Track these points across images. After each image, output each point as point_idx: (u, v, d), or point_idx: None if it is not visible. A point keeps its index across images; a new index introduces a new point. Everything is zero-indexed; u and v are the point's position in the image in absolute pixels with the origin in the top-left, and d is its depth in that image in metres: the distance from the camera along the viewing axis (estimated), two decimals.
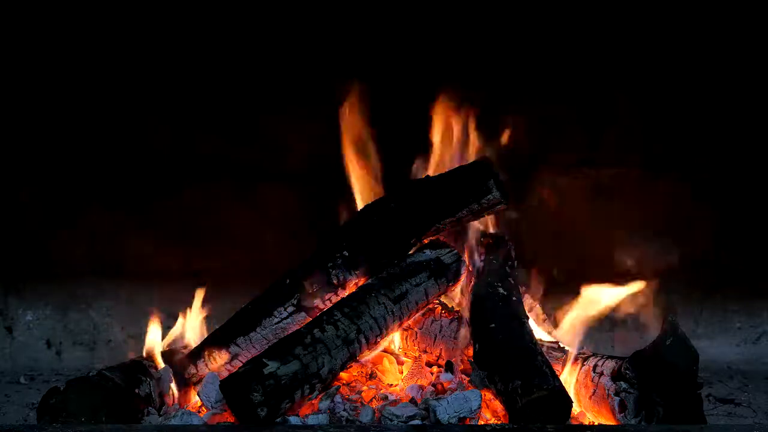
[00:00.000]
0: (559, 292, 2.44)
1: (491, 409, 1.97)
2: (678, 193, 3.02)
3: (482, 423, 1.89)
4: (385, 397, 2.04)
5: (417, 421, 1.88)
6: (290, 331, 2.06)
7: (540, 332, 2.31)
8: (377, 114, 2.51)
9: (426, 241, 2.27)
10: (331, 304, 2.15)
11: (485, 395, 1.95)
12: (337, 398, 1.98)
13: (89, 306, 3.04)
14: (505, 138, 2.49)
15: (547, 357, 1.97)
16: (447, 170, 2.34)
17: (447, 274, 2.22)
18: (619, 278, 2.26)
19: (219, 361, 2.17)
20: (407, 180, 2.39)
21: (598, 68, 2.95)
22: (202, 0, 2.90)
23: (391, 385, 2.17)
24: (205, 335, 2.29)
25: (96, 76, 2.93)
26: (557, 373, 1.93)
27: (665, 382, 1.82)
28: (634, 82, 2.97)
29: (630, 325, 3.01)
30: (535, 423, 1.78)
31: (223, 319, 2.29)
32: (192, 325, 2.31)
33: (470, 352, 2.11)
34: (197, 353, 2.20)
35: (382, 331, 2.07)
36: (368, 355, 2.13)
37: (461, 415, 1.87)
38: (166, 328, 2.29)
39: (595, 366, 2.01)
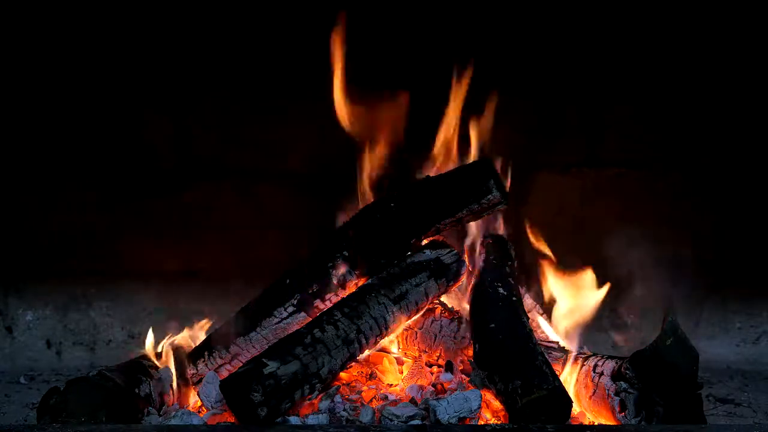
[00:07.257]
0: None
1: (491, 409, 1.97)
2: (678, 193, 3.02)
3: (482, 423, 1.89)
4: (385, 397, 2.05)
5: (417, 421, 1.88)
6: (290, 331, 2.06)
7: (540, 332, 2.31)
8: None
9: (426, 241, 2.27)
10: (331, 304, 2.15)
11: (485, 395, 1.95)
12: (337, 398, 1.98)
13: (89, 306, 3.04)
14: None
15: (547, 357, 1.97)
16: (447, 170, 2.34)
17: (447, 274, 2.21)
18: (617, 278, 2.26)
19: (219, 361, 2.17)
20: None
21: (599, 68, 2.95)
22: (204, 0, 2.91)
23: (391, 385, 2.17)
24: (205, 335, 2.30)
25: (95, 75, 2.92)
26: (557, 373, 1.94)
27: (665, 382, 1.82)
28: (634, 82, 2.96)
29: (630, 325, 3.01)
30: (535, 423, 1.78)
31: (223, 319, 2.29)
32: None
33: (470, 352, 2.11)
34: (197, 353, 2.20)
35: (382, 331, 2.07)
36: (367, 354, 2.14)
37: (461, 415, 1.87)
38: (165, 329, 2.29)
39: (595, 366, 2.00)
